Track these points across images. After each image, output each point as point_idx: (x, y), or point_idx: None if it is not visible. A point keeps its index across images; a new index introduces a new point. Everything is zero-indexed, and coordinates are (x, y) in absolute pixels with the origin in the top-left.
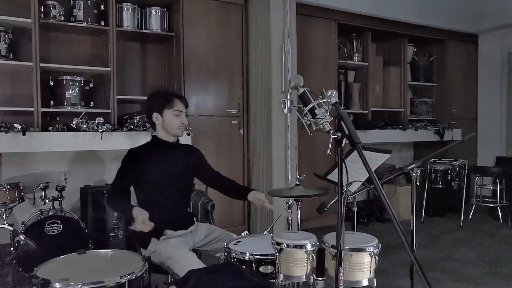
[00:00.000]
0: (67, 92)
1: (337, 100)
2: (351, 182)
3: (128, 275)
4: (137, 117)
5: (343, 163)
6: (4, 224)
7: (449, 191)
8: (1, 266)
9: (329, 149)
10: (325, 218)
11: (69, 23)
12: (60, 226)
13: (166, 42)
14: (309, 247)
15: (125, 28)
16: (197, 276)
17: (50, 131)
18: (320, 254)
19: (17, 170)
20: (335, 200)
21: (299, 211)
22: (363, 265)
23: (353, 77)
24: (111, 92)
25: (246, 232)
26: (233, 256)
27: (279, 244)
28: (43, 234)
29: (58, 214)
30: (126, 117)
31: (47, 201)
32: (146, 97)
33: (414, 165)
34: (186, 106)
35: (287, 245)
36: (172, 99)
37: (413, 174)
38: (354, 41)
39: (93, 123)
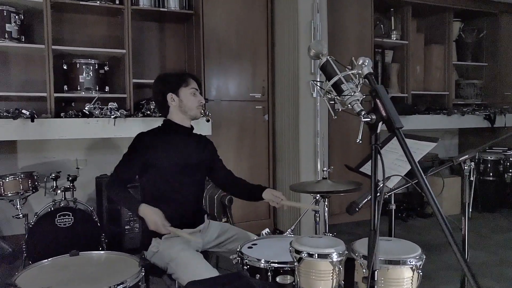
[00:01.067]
0: (80, 76)
1: (371, 71)
2: (388, 177)
3: (121, 284)
4: (154, 102)
5: (378, 154)
6: (19, 214)
7: (501, 184)
8: (13, 258)
9: (360, 137)
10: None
11: (81, 2)
12: (71, 218)
13: (186, 21)
14: (335, 257)
15: (141, 7)
16: None
17: (62, 117)
18: (349, 265)
19: (33, 158)
20: (368, 198)
21: (326, 209)
22: (403, 281)
23: (391, 57)
24: (127, 76)
25: (267, 230)
26: (246, 262)
27: (298, 252)
28: (55, 226)
29: (69, 205)
30: (143, 102)
31: (58, 191)
32: None
33: (467, 156)
34: (199, 85)
35: (308, 254)
36: (186, 77)
37: (466, 167)
38: (392, 17)
39: (106, 108)
